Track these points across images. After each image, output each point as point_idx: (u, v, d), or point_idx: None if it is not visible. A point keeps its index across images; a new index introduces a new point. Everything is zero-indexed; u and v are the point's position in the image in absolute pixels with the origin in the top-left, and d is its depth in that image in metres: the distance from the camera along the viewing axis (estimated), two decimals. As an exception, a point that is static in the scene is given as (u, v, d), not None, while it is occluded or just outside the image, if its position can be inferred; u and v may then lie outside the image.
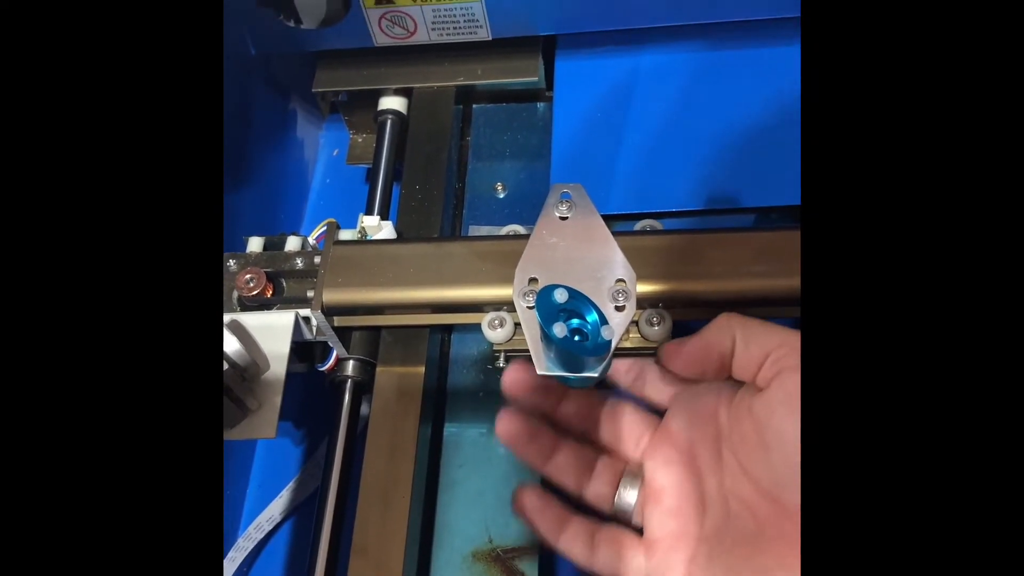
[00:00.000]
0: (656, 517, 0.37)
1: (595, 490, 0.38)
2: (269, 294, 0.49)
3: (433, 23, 0.57)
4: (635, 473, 0.38)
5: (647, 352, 0.42)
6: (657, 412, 0.40)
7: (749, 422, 0.34)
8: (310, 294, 0.48)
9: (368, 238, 0.51)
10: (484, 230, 0.57)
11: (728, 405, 0.36)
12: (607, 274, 0.39)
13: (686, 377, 0.37)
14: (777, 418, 0.32)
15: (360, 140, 0.67)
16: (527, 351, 0.39)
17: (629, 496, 0.38)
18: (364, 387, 0.52)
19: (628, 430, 0.39)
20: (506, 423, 0.37)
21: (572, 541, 0.36)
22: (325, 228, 0.51)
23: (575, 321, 0.37)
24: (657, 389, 0.39)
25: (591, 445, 0.39)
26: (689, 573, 0.35)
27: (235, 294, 0.49)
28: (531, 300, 0.38)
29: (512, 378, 0.38)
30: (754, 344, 0.34)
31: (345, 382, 0.51)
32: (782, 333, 0.33)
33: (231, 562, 0.55)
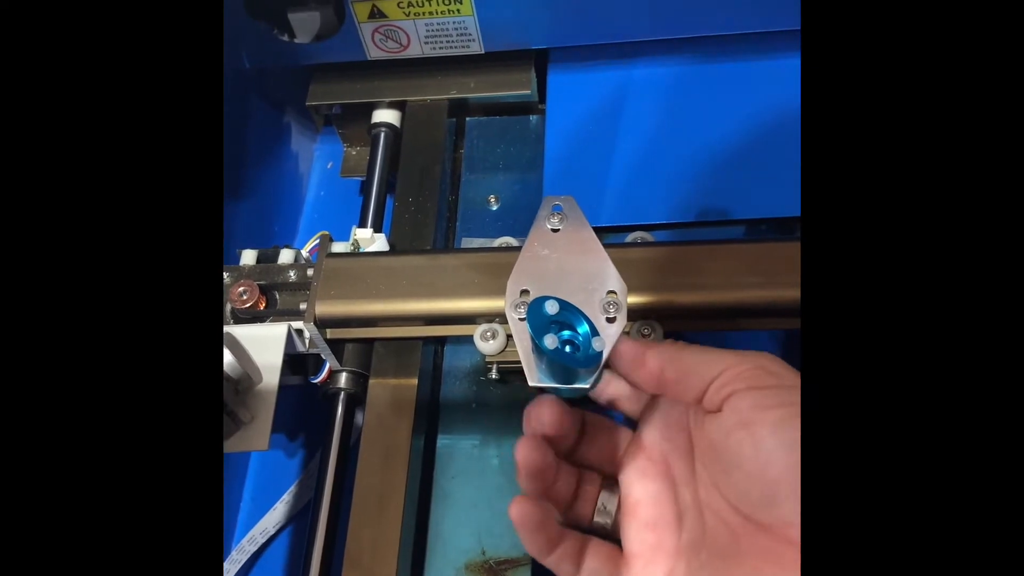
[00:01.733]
0: (633, 531, 0.36)
1: (577, 508, 0.38)
2: (262, 306, 0.50)
3: (426, 37, 0.57)
4: (613, 489, 0.38)
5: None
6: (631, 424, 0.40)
7: (707, 443, 0.34)
8: (303, 306, 0.48)
9: (361, 250, 0.51)
10: (477, 242, 0.57)
11: (695, 417, 0.36)
12: (598, 286, 0.39)
13: (628, 381, 0.37)
14: (734, 440, 0.31)
15: (354, 153, 0.67)
16: (519, 362, 0.39)
17: (608, 510, 0.38)
18: (357, 399, 0.52)
19: (609, 446, 0.39)
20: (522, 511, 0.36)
21: (561, 558, 0.36)
22: (318, 241, 0.52)
23: (566, 332, 0.37)
24: (627, 399, 0.39)
25: (575, 464, 0.39)
26: None
27: (228, 306, 0.50)
28: (523, 312, 0.38)
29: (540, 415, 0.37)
30: (691, 374, 0.34)
31: (338, 394, 0.52)
32: (723, 360, 0.33)
33: (225, 575, 0.55)
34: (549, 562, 0.36)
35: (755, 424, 0.31)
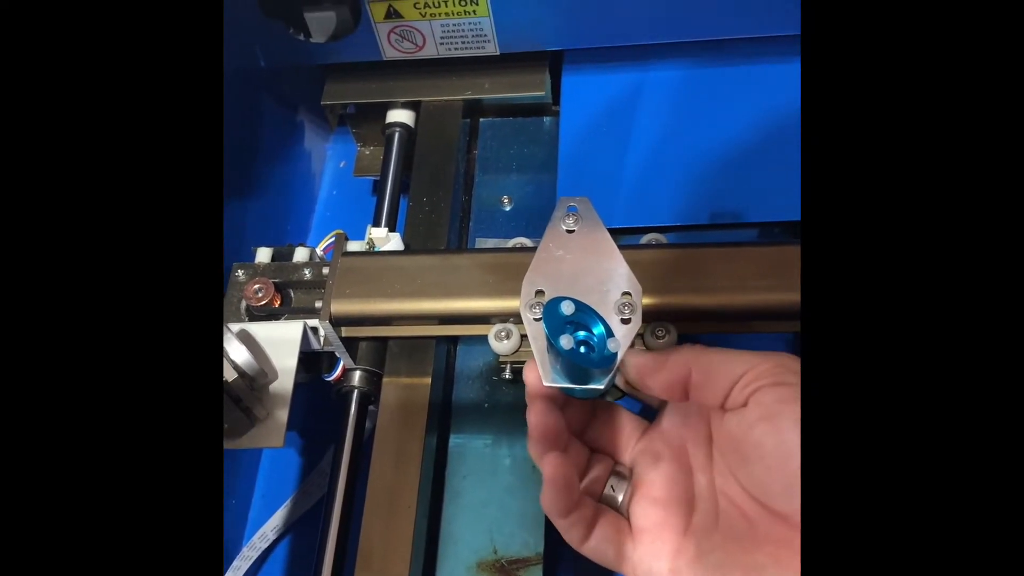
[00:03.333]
0: (641, 507, 0.37)
1: (586, 488, 0.38)
2: (277, 304, 0.50)
3: (442, 38, 0.58)
4: (623, 474, 0.39)
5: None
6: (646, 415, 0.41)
7: (726, 436, 0.34)
8: (318, 304, 0.48)
9: (376, 249, 0.51)
10: (491, 242, 0.57)
11: (716, 413, 0.36)
12: (613, 287, 0.39)
13: (640, 393, 0.37)
14: (757, 432, 0.32)
15: (367, 152, 0.68)
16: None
17: (616, 493, 0.38)
18: (370, 397, 0.52)
19: (621, 432, 0.40)
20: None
21: (575, 522, 0.36)
22: (333, 239, 0.52)
23: (581, 333, 0.37)
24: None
25: (586, 446, 0.40)
26: (675, 568, 0.35)
27: (243, 304, 0.50)
28: (538, 312, 0.39)
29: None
30: (717, 375, 0.34)
31: (351, 392, 0.52)
32: (746, 360, 0.33)
33: (235, 571, 0.55)
34: (563, 524, 0.36)
35: (778, 417, 0.31)
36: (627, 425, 0.40)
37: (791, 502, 0.31)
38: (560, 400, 0.39)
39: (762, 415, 0.32)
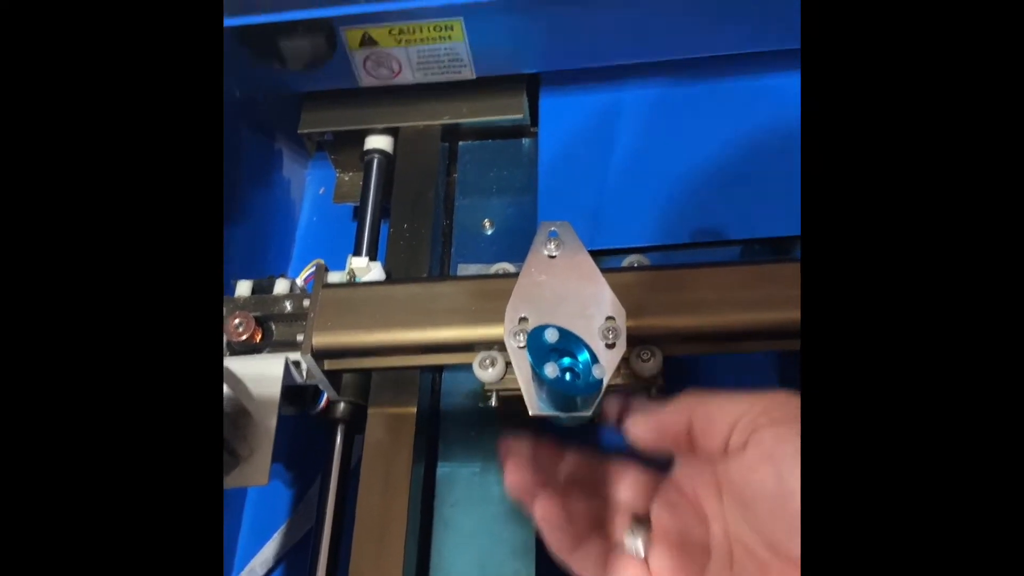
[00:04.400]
0: (659, 554, 0.37)
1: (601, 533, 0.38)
2: (258, 339, 0.49)
3: (418, 63, 0.57)
4: (641, 522, 0.38)
5: (639, 388, 0.43)
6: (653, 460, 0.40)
7: (730, 482, 0.34)
8: (299, 337, 0.47)
9: (357, 280, 0.51)
10: (473, 268, 0.57)
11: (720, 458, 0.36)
12: (596, 312, 0.39)
13: (651, 450, 0.37)
14: (758, 475, 0.32)
15: (347, 178, 0.67)
16: (518, 390, 0.39)
17: (635, 539, 0.38)
18: (356, 428, 0.52)
19: (637, 482, 0.39)
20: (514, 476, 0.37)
21: (585, 559, 0.36)
22: (313, 269, 0.52)
23: (566, 360, 0.37)
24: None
25: (598, 501, 0.39)
26: None
27: (224, 339, 0.49)
28: (522, 340, 0.38)
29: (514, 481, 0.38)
30: (716, 420, 0.34)
31: (337, 424, 0.51)
32: (744, 401, 0.33)
33: (224, 609, 0.54)
34: (572, 559, 0.36)
35: (778, 457, 0.31)
36: (642, 475, 0.40)
37: (796, 543, 0.30)
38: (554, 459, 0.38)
39: (762, 456, 0.32)
